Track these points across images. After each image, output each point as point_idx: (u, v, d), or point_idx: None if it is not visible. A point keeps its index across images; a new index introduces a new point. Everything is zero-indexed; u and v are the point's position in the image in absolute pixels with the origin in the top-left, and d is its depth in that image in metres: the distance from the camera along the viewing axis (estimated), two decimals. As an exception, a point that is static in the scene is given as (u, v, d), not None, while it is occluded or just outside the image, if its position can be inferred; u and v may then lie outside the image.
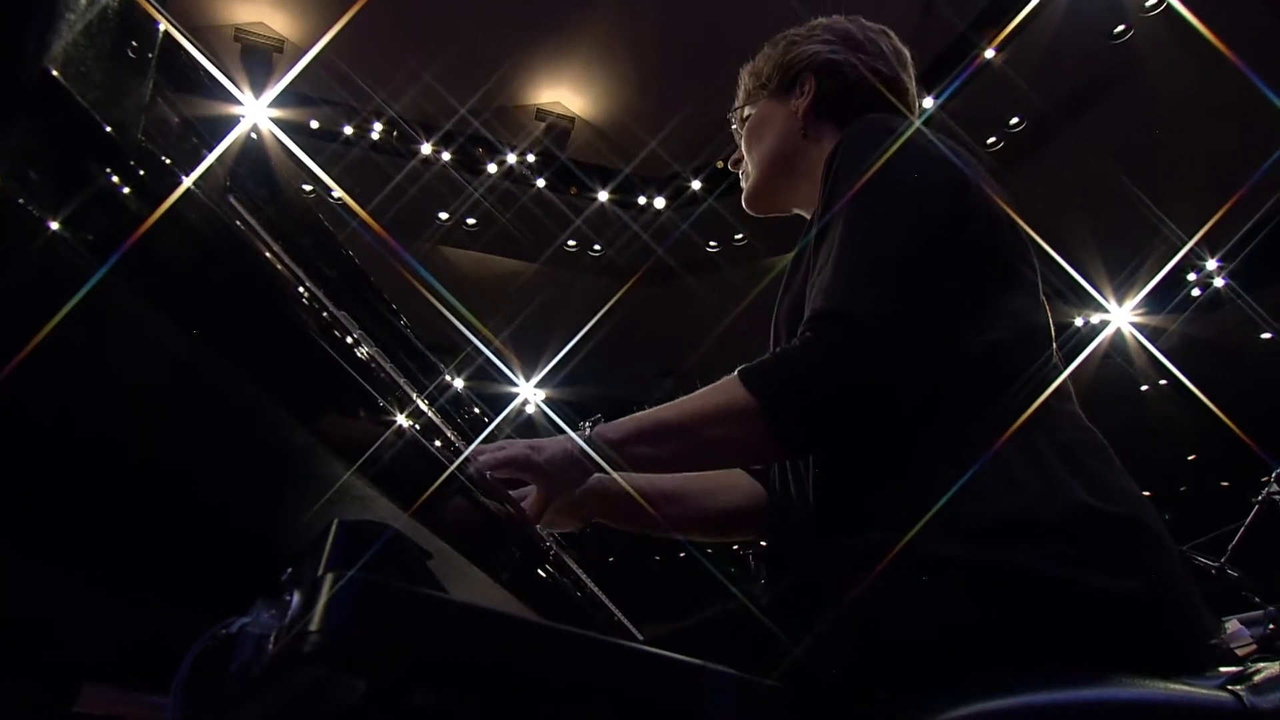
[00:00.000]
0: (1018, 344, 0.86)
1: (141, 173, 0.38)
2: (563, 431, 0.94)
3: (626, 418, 0.91)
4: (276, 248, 0.56)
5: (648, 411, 0.90)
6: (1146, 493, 0.82)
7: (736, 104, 1.19)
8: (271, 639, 0.31)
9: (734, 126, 1.20)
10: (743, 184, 1.18)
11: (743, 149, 1.17)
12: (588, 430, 0.90)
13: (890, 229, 0.83)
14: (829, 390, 0.79)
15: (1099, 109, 6.46)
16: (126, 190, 0.37)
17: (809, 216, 1.14)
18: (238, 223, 0.48)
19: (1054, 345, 0.90)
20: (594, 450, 0.88)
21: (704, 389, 0.87)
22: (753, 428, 0.82)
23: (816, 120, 1.10)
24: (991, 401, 0.81)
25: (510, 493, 0.96)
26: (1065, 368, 0.90)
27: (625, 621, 1.14)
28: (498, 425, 1.23)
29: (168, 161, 0.41)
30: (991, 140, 6.72)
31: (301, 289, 0.49)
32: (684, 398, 0.88)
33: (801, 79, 1.10)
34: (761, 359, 0.85)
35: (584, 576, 1.02)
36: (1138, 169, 6.27)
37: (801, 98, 1.10)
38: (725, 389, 0.85)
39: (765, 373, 0.83)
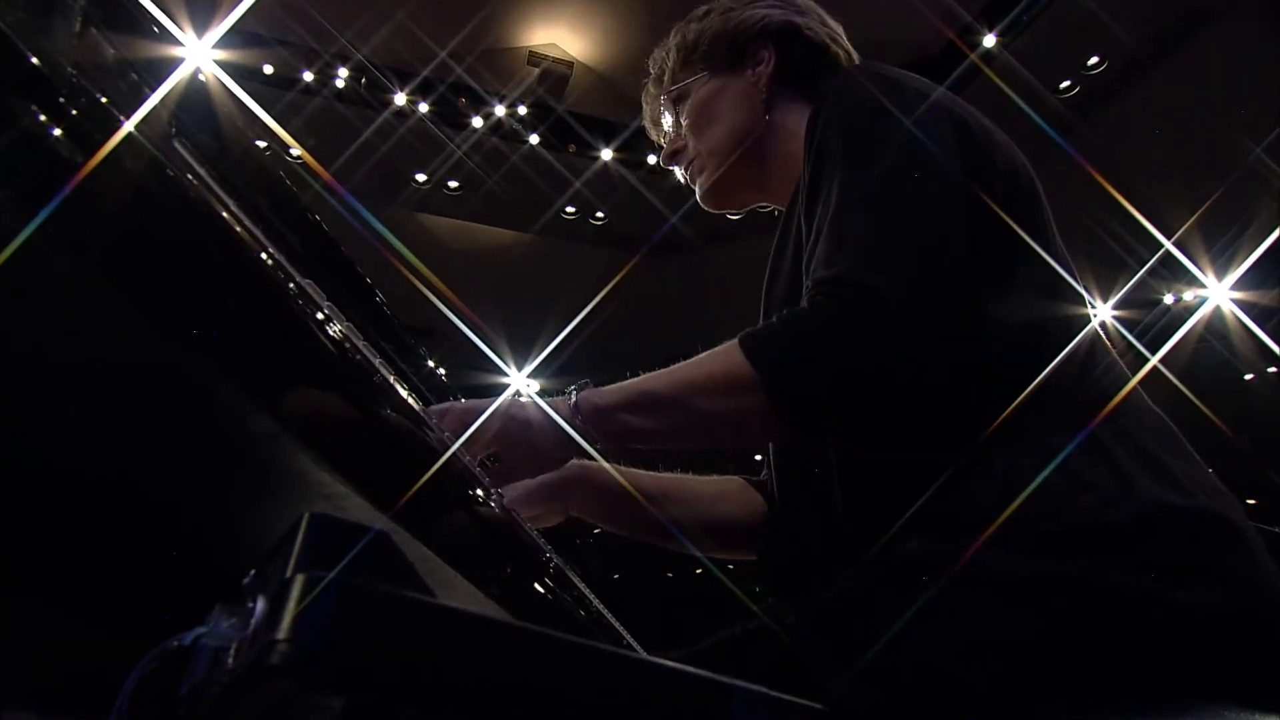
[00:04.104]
0: (1059, 319, 0.86)
1: (74, 112, 0.38)
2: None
3: (615, 385, 0.92)
4: (233, 205, 0.56)
5: (640, 378, 0.92)
6: (1251, 500, 0.81)
7: (663, 86, 1.16)
8: (232, 652, 0.32)
9: (664, 118, 1.16)
10: (685, 177, 1.16)
11: (687, 139, 1.14)
12: (574, 396, 0.91)
13: (901, 182, 0.83)
14: (843, 367, 0.80)
15: (1198, 44, 6.37)
16: (57, 132, 0.37)
17: (781, 208, 1.14)
18: (188, 175, 0.48)
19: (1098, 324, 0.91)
20: (575, 420, 0.89)
21: (702, 355, 0.88)
22: (751, 402, 0.83)
23: (781, 92, 1.10)
24: (1041, 385, 0.81)
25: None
26: (1118, 347, 0.91)
27: (635, 644, 1.15)
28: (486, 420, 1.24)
29: (105, 100, 0.41)
30: (1065, 85, 6.66)
31: (264, 254, 0.49)
32: (681, 364, 0.90)
33: (752, 49, 1.10)
34: (767, 324, 0.85)
35: (588, 593, 1.03)
36: (1245, 115, 6.18)
37: (761, 66, 1.09)
38: (723, 356, 0.85)
39: (770, 341, 0.83)
